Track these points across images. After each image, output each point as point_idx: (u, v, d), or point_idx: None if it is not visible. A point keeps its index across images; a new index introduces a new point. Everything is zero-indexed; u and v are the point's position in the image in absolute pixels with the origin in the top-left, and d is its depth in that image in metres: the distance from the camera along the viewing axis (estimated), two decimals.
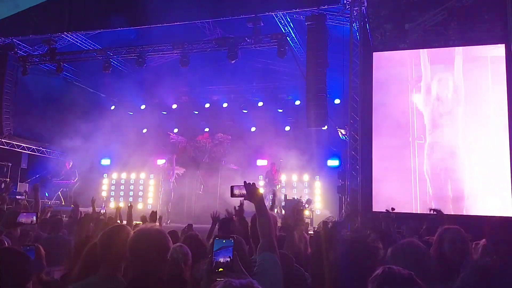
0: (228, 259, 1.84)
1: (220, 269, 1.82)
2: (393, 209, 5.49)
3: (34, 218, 3.91)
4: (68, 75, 15.59)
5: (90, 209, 8.16)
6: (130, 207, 6.49)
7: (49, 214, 7.33)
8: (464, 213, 10.03)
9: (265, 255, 2.44)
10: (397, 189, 10.68)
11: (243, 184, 2.63)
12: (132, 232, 2.53)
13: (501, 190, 9.86)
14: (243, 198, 2.68)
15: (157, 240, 2.33)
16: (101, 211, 8.08)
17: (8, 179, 14.03)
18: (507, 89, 10.07)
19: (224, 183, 13.73)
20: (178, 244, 3.29)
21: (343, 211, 10.99)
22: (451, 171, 10.43)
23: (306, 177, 14.67)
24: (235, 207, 4.87)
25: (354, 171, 10.29)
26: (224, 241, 1.88)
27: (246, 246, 2.61)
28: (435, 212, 4.80)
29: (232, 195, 2.71)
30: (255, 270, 2.43)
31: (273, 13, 11.42)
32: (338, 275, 2.39)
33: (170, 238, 2.41)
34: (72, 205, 7.94)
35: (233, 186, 2.69)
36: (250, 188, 2.60)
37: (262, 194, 2.62)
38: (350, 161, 10.41)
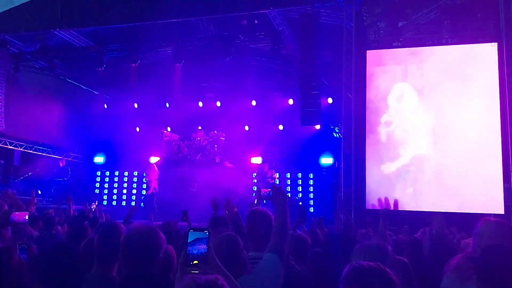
0: (203, 251, 1.83)
1: (195, 262, 1.81)
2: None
3: (27, 217, 3.89)
4: (61, 72, 15.48)
5: (83, 207, 8.15)
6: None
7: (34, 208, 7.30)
8: (456, 211, 10.11)
9: (269, 255, 2.45)
10: (392, 187, 10.74)
11: (270, 188, 2.71)
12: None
13: (493, 189, 9.94)
14: (263, 200, 2.78)
15: (150, 238, 2.32)
16: (92, 207, 8.04)
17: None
18: (500, 88, 10.13)
19: (218, 181, 13.72)
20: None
21: (337, 208, 11.04)
22: (444, 169, 10.49)
23: (300, 175, 14.69)
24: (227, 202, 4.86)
25: (348, 169, 10.32)
26: (199, 233, 1.87)
27: (241, 243, 2.61)
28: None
29: (260, 197, 2.83)
30: (255, 267, 2.43)
31: (267, 11, 11.40)
32: None
33: (163, 236, 2.41)
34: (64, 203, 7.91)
35: (260, 188, 2.84)
36: (276, 190, 2.64)
37: (287, 197, 2.67)
38: (343, 159, 10.44)
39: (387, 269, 1.77)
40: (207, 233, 1.87)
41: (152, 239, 2.33)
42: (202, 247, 1.83)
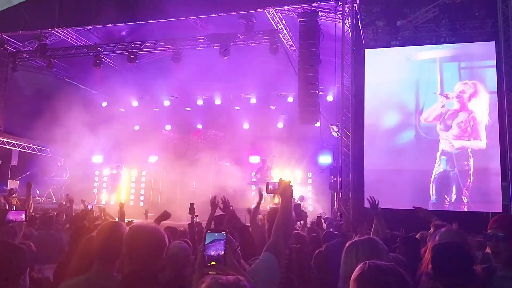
0: (220, 253, 1.82)
1: (212, 263, 1.81)
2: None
3: (24, 216, 3.87)
4: (59, 72, 15.45)
5: (80, 207, 8.14)
6: (122, 205, 6.47)
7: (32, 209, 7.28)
8: (451, 209, 10.15)
9: (266, 255, 2.38)
10: (389, 186, 10.76)
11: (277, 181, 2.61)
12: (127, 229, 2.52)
13: (491, 187, 9.96)
14: (272, 194, 2.69)
15: (153, 236, 2.32)
16: (89, 207, 8.03)
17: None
18: (497, 87, 10.15)
19: (216, 179, 13.72)
20: (177, 240, 3.27)
21: (335, 207, 11.04)
22: (442, 169, 10.51)
23: (298, 173, 14.68)
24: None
25: (346, 168, 10.33)
26: (216, 234, 1.86)
27: (234, 244, 2.58)
28: (416, 209, 4.73)
29: (267, 191, 2.74)
30: (252, 267, 2.40)
31: (265, 10, 11.40)
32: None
33: (166, 235, 2.41)
34: (63, 202, 7.88)
35: (268, 182, 2.74)
36: (283, 184, 2.57)
37: (292, 193, 2.56)
38: (342, 157, 10.45)
39: (401, 270, 1.70)
40: (224, 235, 1.86)
41: (155, 238, 2.33)
42: (220, 248, 1.83)
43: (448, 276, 2.32)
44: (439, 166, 10.50)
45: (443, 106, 10.71)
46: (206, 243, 1.85)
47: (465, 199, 10.18)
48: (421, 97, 11.00)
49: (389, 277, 1.64)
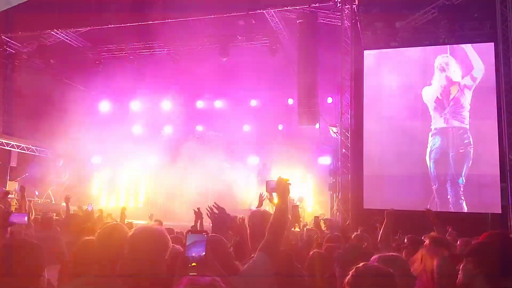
0: (201, 254, 1.83)
1: (193, 264, 1.82)
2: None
3: (26, 218, 3.89)
4: (58, 72, 15.43)
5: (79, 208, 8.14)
6: (123, 209, 6.48)
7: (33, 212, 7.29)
8: (452, 210, 10.16)
9: (260, 255, 2.37)
10: (389, 187, 10.77)
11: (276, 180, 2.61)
12: (129, 231, 2.53)
13: (490, 188, 9.98)
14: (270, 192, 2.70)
15: (157, 239, 2.34)
16: (88, 208, 8.04)
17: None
18: (496, 87, 10.17)
19: (216, 181, 13.72)
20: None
21: (334, 208, 11.06)
22: (442, 170, 10.53)
23: (298, 174, 14.69)
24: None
25: (345, 169, 10.35)
26: (197, 235, 1.88)
27: (227, 245, 2.57)
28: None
29: (267, 189, 2.76)
30: (245, 267, 2.40)
31: (264, 11, 11.41)
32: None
33: (169, 238, 2.42)
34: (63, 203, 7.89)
35: (268, 181, 2.76)
36: (281, 182, 2.57)
37: (289, 190, 2.57)
38: (341, 158, 10.47)
39: (393, 273, 1.84)
40: (205, 236, 1.87)
41: (159, 240, 2.34)
42: (201, 250, 1.83)
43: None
44: (438, 168, 10.52)
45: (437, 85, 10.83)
46: (186, 244, 1.85)
47: (464, 200, 10.20)
48: (421, 99, 11.02)
49: (374, 274, 1.89)
